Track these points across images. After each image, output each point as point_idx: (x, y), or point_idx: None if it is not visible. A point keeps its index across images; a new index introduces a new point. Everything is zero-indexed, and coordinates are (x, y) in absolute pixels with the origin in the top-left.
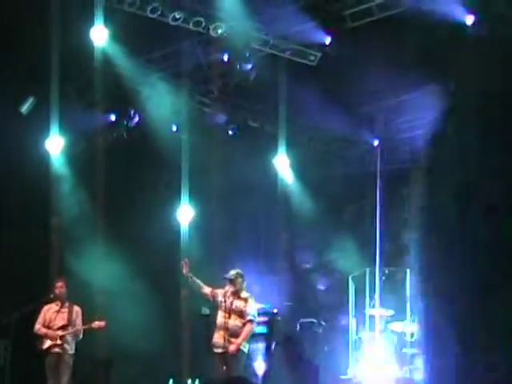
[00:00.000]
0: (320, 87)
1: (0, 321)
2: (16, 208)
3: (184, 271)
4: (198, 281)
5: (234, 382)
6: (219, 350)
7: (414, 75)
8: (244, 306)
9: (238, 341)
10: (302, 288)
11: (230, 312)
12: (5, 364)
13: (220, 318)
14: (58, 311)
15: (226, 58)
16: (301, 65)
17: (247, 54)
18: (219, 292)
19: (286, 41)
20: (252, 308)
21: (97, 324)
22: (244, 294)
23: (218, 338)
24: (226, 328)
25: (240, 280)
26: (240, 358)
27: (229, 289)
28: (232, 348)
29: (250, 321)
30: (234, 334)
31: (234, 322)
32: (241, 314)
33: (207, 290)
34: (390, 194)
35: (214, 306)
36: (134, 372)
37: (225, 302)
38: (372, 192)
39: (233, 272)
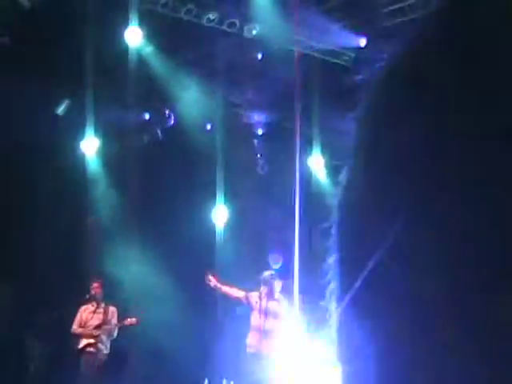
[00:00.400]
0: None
1: (36, 322)
2: (51, 209)
3: (212, 285)
4: (228, 289)
5: None
6: (252, 350)
7: None
8: (278, 306)
9: (276, 343)
10: None
11: (264, 313)
12: (40, 362)
13: (254, 319)
14: (94, 311)
15: (259, 58)
16: (334, 65)
17: (281, 55)
18: (254, 294)
19: (321, 41)
20: (285, 309)
21: (129, 321)
22: (277, 296)
23: (251, 338)
24: (260, 329)
25: (273, 281)
26: (274, 358)
27: (263, 290)
28: (268, 348)
29: (284, 320)
30: (268, 335)
31: (269, 323)
32: (275, 315)
33: (240, 294)
34: None
35: (249, 307)
36: (169, 371)
37: (260, 303)
38: None
39: (266, 273)
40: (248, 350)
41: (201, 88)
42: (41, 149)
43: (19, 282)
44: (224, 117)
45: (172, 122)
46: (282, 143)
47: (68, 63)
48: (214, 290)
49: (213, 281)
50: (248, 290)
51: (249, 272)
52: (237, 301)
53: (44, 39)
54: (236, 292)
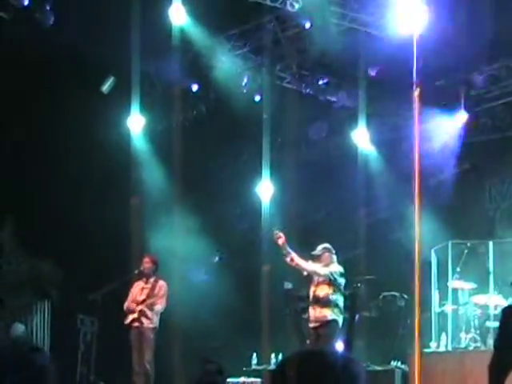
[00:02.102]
0: (398, 60)
1: (86, 298)
2: (98, 186)
3: (280, 242)
4: (293, 253)
5: (317, 354)
6: (312, 324)
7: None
8: (328, 270)
9: (295, 256)
10: (384, 261)
11: (319, 284)
12: (91, 339)
13: (311, 291)
14: (143, 287)
15: (303, 32)
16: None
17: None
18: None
19: (365, 14)
20: (335, 269)
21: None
22: (333, 266)
23: (311, 312)
24: (317, 299)
25: (327, 254)
26: (332, 330)
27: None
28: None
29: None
30: (326, 302)
31: (323, 291)
32: (330, 280)
33: (302, 263)
34: (473, 166)
35: (303, 279)
36: (217, 346)
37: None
38: (450, 166)
39: (320, 247)
40: (309, 324)
41: (246, 64)
42: (87, 127)
43: (70, 261)
44: (269, 91)
45: (216, 97)
46: (327, 117)
47: (113, 41)
48: (281, 247)
49: (282, 238)
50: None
51: (296, 246)
52: (301, 269)
53: (87, 18)
54: (304, 262)
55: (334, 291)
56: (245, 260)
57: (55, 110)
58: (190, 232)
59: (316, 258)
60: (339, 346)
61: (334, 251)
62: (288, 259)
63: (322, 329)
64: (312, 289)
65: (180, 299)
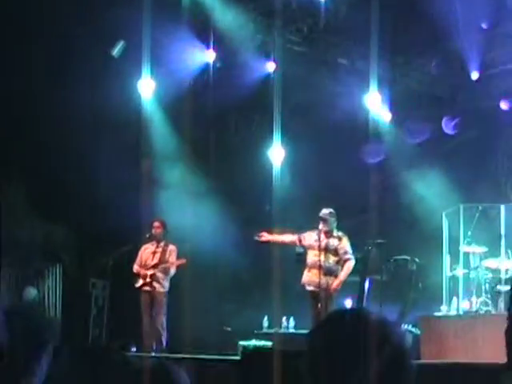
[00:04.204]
0: (413, 20)
1: (98, 262)
2: (109, 150)
3: (264, 240)
4: (280, 236)
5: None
6: (313, 289)
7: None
8: (339, 244)
9: (341, 278)
10: (395, 225)
11: (324, 251)
12: (103, 303)
13: (313, 256)
14: (154, 251)
15: None
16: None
17: None
18: (306, 234)
19: None
20: (348, 246)
21: (179, 261)
22: (337, 233)
23: (311, 276)
24: (320, 266)
25: (332, 219)
26: (335, 296)
27: (322, 228)
28: (334, 286)
29: (349, 259)
30: (329, 272)
31: (329, 260)
32: (336, 252)
33: (293, 237)
34: (485, 131)
35: (304, 248)
36: (229, 309)
37: (318, 240)
38: (465, 129)
39: (326, 211)
40: (308, 288)
41: (257, 27)
42: (97, 91)
43: (82, 226)
44: (281, 55)
45: (228, 61)
46: (338, 80)
47: (123, 4)
48: (267, 243)
49: (264, 236)
50: (300, 231)
51: (307, 210)
52: (292, 245)
53: None
54: (288, 237)
55: (338, 262)
56: (256, 224)
57: (65, 73)
58: (202, 196)
59: (322, 221)
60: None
61: (336, 217)
62: (289, 240)
63: (325, 294)
64: (312, 254)
65: (191, 263)
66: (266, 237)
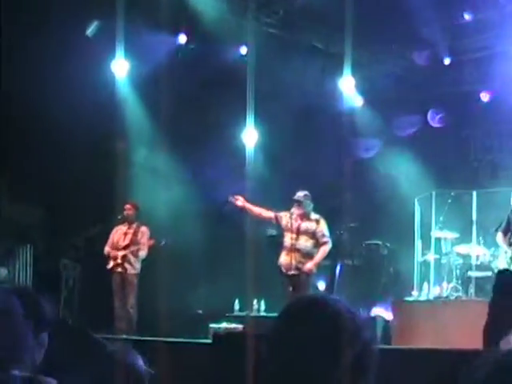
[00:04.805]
0: (389, 5)
1: (69, 243)
2: (82, 131)
3: (239, 204)
4: (257, 209)
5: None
6: (291, 272)
7: None
8: (316, 227)
9: (315, 260)
10: (368, 210)
11: (299, 233)
12: (74, 284)
13: (289, 239)
14: (125, 232)
15: None
16: None
17: None
18: (283, 215)
19: None
20: (325, 229)
21: (148, 242)
22: (314, 216)
23: (288, 259)
24: (297, 249)
25: (308, 202)
26: (311, 279)
27: (296, 211)
28: (309, 267)
29: (326, 242)
30: (306, 254)
31: (306, 243)
32: (313, 235)
33: (270, 214)
34: (458, 116)
35: (280, 228)
36: (200, 292)
37: (291, 224)
38: (438, 113)
39: (301, 194)
40: (284, 271)
41: (233, 9)
42: (70, 70)
43: (53, 206)
44: (255, 37)
45: (202, 43)
46: (313, 64)
47: None
48: (241, 210)
49: (240, 200)
50: (277, 210)
51: (280, 192)
52: (267, 221)
53: None
54: (265, 212)
55: (315, 245)
56: (228, 206)
57: (39, 54)
58: (175, 178)
59: (297, 204)
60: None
61: (311, 199)
62: (266, 215)
63: (302, 277)
64: (289, 236)
65: (164, 245)
66: (241, 202)
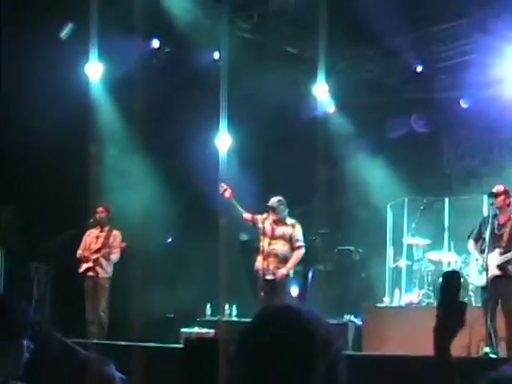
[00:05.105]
0: (362, 12)
1: (41, 246)
2: (54, 133)
3: (226, 195)
4: (238, 206)
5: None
6: (268, 277)
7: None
8: (292, 231)
9: (289, 265)
10: (340, 216)
11: (275, 238)
12: (45, 288)
13: (266, 244)
14: (98, 235)
15: None
16: None
17: None
18: (259, 218)
19: None
20: (300, 234)
21: (120, 245)
22: (290, 220)
23: (265, 264)
24: (274, 254)
25: (282, 207)
26: (287, 283)
27: (271, 216)
28: (283, 272)
29: (300, 246)
30: (283, 259)
31: (283, 247)
32: (290, 239)
33: (248, 215)
34: (430, 123)
35: (256, 231)
36: (172, 296)
37: (267, 228)
38: (411, 120)
39: (274, 199)
40: (261, 276)
41: (207, 13)
42: (44, 73)
43: (26, 209)
44: (230, 42)
45: (176, 47)
46: (287, 70)
47: None
48: (227, 200)
49: (228, 191)
50: (254, 213)
51: (254, 198)
52: (244, 221)
53: None
54: (245, 212)
55: (292, 248)
56: (202, 211)
57: (12, 55)
58: (148, 182)
59: (271, 210)
60: (292, 297)
61: (286, 204)
62: (245, 215)
63: (278, 282)
64: (266, 241)
65: (136, 249)
66: (228, 194)
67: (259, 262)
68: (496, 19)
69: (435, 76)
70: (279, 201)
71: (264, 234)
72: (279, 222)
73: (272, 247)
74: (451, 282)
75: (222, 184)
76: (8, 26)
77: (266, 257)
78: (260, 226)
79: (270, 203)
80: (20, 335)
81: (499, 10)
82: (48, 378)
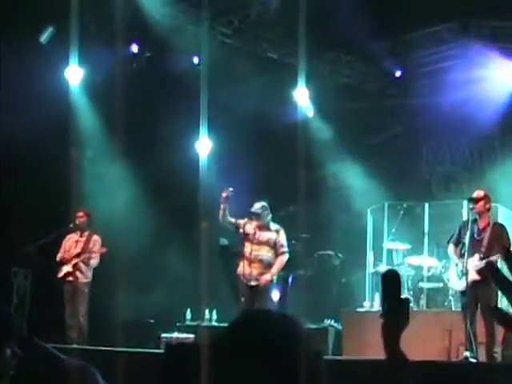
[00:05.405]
0: (342, 18)
1: (20, 250)
2: (34, 137)
3: (223, 196)
4: (226, 210)
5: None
6: (252, 283)
7: (436, 10)
8: (277, 237)
9: (273, 271)
10: (320, 220)
11: (260, 244)
12: (25, 292)
13: (249, 249)
14: (77, 240)
15: None
16: None
17: None
18: (241, 223)
19: None
20: (285, 239)
21: (100, 250)
22: (274, 226)
23: (249, 270)
24: (259, 260)
25: (266, 212)
26: (270, 289)
27: (254, 222)
28: (267, 278)
29: (284, 252)
30: (267, 265)
31: (267, 253)
32: (274, 245)
33: (233, 219)
34: (410, 128)
35: (239, 236)
36: (151, 301)
37: (250, 234)
38: (391, 126)
39: (258, 205)
40: (246, 282)
41: (188, 18)
42: (24, 77)
43: (4, 213)
44: (210, 47)
45: (156, 52)
46: (268, 75)
47: None
48: (222, 202)
49: (227, 195)
50: (237, 218)
51: (235, 203)
52: (229, 225)
53: None
54: (230, 217)
55: (276, 254)
56: (182, 215)
57: None
58: (128, 187)
59: (255, 216)
60: (273, 302)
61: (269, 210)
62: (224, 218)
63: (261, 288)
64: (250, 247)
65: (115, 253)
66: (225, 196)
67: (242, 268)
68: (476, 24)
69: (414, 81)
70: (263, 206)
71: (247, 239)
72: (263, 227)
73: (256, 253)
74: (391, 281)
75: (230, 189)
76: None
77: (250, 263)
78: (241, 231)
79: (253, 209)
80: (7, 342)
81: (480, 14)
82: None
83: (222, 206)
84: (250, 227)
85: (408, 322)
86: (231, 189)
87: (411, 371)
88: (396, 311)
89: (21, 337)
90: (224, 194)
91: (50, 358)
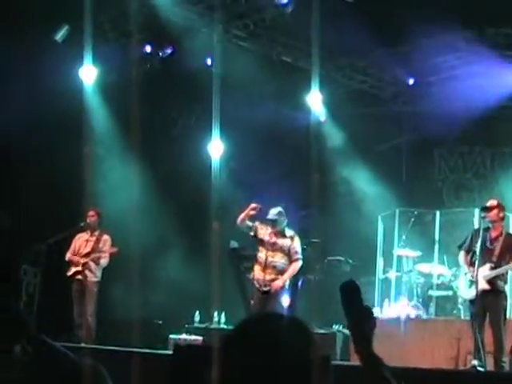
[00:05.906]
0: (357, 24)
1: (30, 249)
2: (48, 136)
3: (251, 210)
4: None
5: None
6: (265, 288)
7: (451, 18)
8: (291, 244)
9: (285, 277)
10: (331, 225)
11: (275, 250)
12: (34, 290)
13: (264, 255)
14: (87, 239)
15: None
16: (338, 1)
17: None
18: (258, 226)
19: None
20: (299, 246)
21: (110, 250)
22: (289, 232)
23: (263, 275)
24: (273, 266)
25: (282, 219)
26: (281, 294)
27: (271, 228)
28: (278, 284)
29: (298, 259)
30: (281, 271)
31: (281, 259)
32: (288, 251)
33: (250, 223)
34: (422, 135)
35: (255, 240)
36: (162, 302)
37: (265, 240)
38: (403, 133)
39: (274, 211)
40: (258, 287)
41: (202, 20)
42: (39, 75)
43: (16, 211)
44: (225, 50)
45: (171, 52)
46: (281, 78)
47: None
48: (250, 210)
49: (255, 211)
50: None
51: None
52: (247, 229)
53: None
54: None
55: (289, 261)
56: (193, 216)
57: (6, 57)
58: (140, 187)
59: (272, 223)
60: (283, 307)
61: (285, 215)
62: (243, 222)
63: (272, 293)
64: (265, 253)
65: (124, 254)
66: (255, 209)
67: (257, 273)
68: (491, 32)
69: (427, 88)
70: (279, 212)
71: (262, 244)
72: (278, 233)
73: (271, 259)
74: (350, 292)
75: (260, 205)
76: (2, 28)
77: (265, 268)
78: (260, 236)
79: (270, 216)
80: (17, 339)
81: (496, 23)
82: (39, 382)
83: (246, 211)
84: (265, 232)
85: (375, 325)
86: (260, 206)
87: (391, 371)
88: (362, 317)
89: (29, 334)
90: (254, 205)
91: (59, 356)
